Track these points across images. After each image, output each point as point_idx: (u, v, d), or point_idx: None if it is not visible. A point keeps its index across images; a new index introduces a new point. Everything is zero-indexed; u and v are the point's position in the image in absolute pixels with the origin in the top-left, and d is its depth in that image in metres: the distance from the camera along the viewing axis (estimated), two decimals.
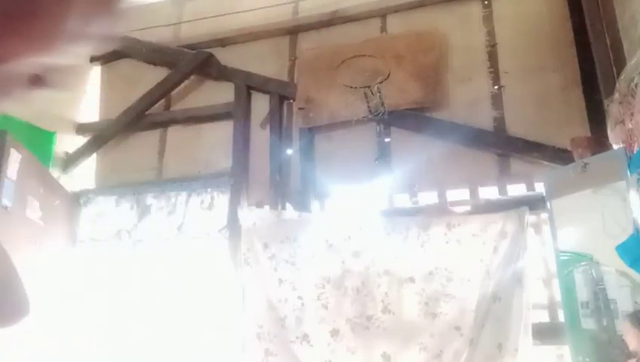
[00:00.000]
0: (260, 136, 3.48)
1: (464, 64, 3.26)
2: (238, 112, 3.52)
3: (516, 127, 3.05)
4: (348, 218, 2.97)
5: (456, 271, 2.72)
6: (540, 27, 3.17)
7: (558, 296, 2.63)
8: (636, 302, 2.15)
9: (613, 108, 2.35)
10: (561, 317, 2.58)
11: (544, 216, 2.77)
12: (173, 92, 3.81)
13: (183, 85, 3.79)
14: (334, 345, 2.76)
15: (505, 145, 3.06)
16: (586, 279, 2.36)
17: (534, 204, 2.75)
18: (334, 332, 2.78)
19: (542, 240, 2.87)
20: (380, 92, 3.16)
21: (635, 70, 2.15)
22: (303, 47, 3.63)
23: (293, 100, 3.48)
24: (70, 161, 3.80)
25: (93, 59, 4.13)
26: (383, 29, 3.52)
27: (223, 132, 3.57)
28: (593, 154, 2.49)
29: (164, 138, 3.78)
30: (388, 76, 3.23)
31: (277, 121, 3.46)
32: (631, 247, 2.00)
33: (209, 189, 3.34)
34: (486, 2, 3.34)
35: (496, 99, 3.15)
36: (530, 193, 2.88)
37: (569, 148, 2.74)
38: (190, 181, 3.42)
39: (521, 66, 3.15)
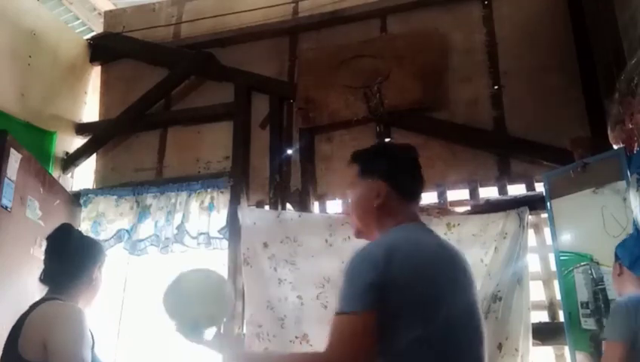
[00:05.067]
0: (260, 136, 3.48)
1: (464, 64, 3.26)
2: (238, 112, 3.52)
3: (516, 127, 3.05)
4: (348, 218, 2.96)
5: None
6: (540, 27, 3.17)
7: (558, 296, 2.63)
8: None
9: (613, 108, 2.35)
10: (561, 317, 2.58)
11: (544, 216, 2.77)
12: (173, 92, 3.81)
13: (183, 85, 3.79)
14: None
15: (505, 145, 3.06)
16: (586, 279, 2.37)
17: (534, 203, 2.75)
18: None
19: (542, 240, 2.87)
20: (379, 92, 3.16)
21: (635, 70, 2.15)
22: (303, 47, 3.63)
23: (293, 100, 3.48)
24: (70, 161, 3.80)
25: (93, 60, 4.14)
26: (383, 29, 3.52)
27: (223, 132, 3.57)
28: (593, 154, 2.49)
29: (164, 138, 3.78)
30: (388, 76, 3.23)
31: (277, 121, 3.45)
32: (631, 247, 1.99)
33: (209, 189, 3.33)
34: (486, 2, 3.34)
35: (496, 99, 3.14)
36: (530, 193, 2.88)
37: (569, 148, 2.74)
38: (190, 181, 3.42)
39: (521, 66, 3.14)
